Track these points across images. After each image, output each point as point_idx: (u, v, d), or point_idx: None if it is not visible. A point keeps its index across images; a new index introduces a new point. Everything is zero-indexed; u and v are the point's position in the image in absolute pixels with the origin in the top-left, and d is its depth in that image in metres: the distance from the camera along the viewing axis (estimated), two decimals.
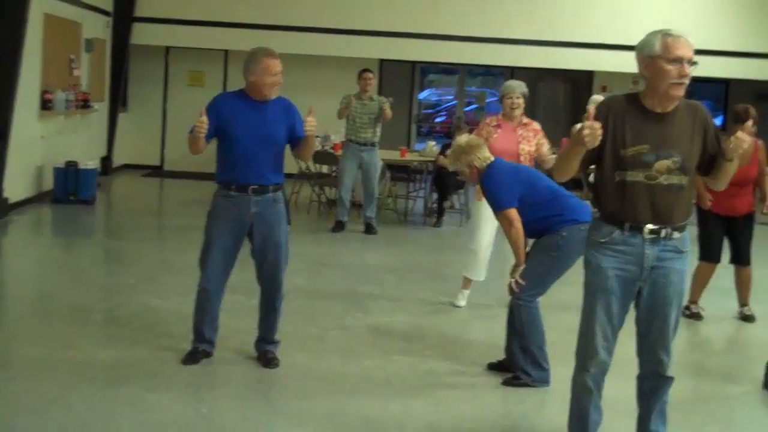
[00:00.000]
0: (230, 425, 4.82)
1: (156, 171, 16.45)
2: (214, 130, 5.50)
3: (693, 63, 4.02)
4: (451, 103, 29.72)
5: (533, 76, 18.48)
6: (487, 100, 28.17)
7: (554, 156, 7.57)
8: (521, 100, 7.40)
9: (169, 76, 16.63)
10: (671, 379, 4.34)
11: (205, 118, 5.35)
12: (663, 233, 4.10)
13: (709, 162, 4.17)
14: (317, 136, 13.16)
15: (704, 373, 6.30)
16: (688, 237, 4.24)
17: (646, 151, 4.05)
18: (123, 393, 5.15)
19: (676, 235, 4.14)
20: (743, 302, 7.89)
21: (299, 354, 6.04)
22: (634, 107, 4.13)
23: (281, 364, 5.76)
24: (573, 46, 15.35)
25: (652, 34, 4.08)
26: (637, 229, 4.10)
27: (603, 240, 4.16)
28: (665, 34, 4.04)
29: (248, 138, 5.46)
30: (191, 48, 15.85)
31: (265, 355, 5.81)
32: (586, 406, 4.32)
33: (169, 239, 10.76)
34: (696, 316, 7.72)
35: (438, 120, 28.31)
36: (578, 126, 4.07)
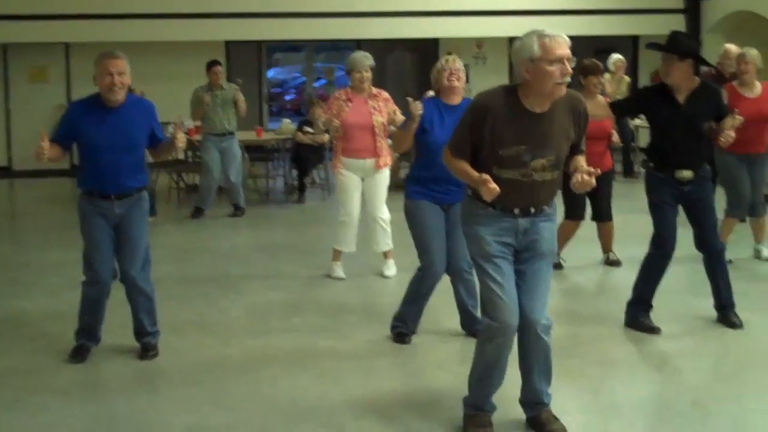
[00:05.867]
0: (120, 419, 4.79)
1: (4, 172, 15.84)
2: (69, 141, 5.46)
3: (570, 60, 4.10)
4: (299, 81, 29.72)
5: (380, 47, 18.63)
6: (336, 75, 28.30)
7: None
8: (369, 74, 7.46)
9: (9, 74, 16.00)
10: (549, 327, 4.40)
11: (45, 144, 5.23)
12: (532, 211, 4.31)
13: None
14: (169, 122, 13.02)
15: (576, 318, 6.52)
16: (555, 203, 4.44)
17: (523, 151, 4.16)
18: (3, 397, 5.04)
19: (545, 208, 4.35)
20: (607, 249, 8.28)
21: (179, 341, 6.02)
22: (513, 106, 4.16)
23: (162, 353, 5.74)
24: (416, 15, 15.48)
25: (528, 36, 4.09)
26: (509, 210, 4.27)
27: (480, 212, 4.30)
28: (540, 35, 4.06)
29: (106, 148, 5.36)
30: (30, 43, 15.30)
31: (144, 346, 5.77)
32: (492, 365, 4.38)
33: (27, 240, 10.40)
34: (557, 266, 8.00)
35: (287, 98, 28.25)
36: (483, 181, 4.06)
